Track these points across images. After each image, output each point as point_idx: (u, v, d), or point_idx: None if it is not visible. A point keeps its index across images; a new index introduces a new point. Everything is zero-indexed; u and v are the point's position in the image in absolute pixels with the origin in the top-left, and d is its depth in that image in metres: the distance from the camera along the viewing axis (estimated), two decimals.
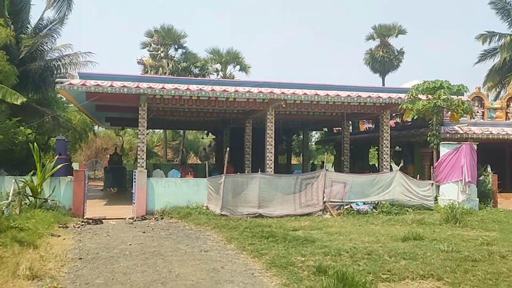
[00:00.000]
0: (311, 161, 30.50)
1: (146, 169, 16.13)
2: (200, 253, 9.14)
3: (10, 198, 11.39)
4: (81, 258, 8.48)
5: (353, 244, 9.74)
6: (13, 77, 18.49)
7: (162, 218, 14.14)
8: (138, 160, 17.29)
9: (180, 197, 15.22)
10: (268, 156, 18.93)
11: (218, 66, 38.09)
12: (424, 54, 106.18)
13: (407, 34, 41.25)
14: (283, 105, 18.81)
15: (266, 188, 14.23)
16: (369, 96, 18.50)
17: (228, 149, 15.07)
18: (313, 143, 42.24)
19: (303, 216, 14.11)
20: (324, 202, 14.71)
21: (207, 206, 14.71)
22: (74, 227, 12.19)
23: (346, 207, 15.02)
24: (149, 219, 14.04)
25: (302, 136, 30.92)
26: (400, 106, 18.50)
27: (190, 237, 11.09)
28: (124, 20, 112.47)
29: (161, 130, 43.45)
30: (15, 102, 11.85)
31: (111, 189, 25.35)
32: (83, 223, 12.84)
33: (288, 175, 15.55)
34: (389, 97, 18.79)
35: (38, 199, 13.64)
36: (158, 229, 12.30)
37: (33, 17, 24.81)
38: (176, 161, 39.93)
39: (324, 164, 16.20)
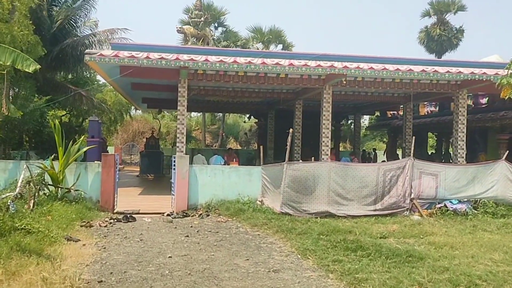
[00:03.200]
0: (361, 148, 27.30)
1: (187, 154, 13.51)
2: (269, 275, 6.33)
3: (17, 189, 8.88)
4: (101, 281, 5.81)
5: (483, 265, 6.72)
6: (40, 48, 16.10)
7: (208, 215, 11.36)
8: (177, 144, 14.67)
9: (229, 189, 12.44)
10: (324, 142, 15.95)
11: (260, 45, 35.12)
12: (486, 33, 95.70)
13: (466, 10, 37.05)
14: (344, 82, 15.70)
15: (339, 180, 11.21)
16: (448, 71, 15.20)
17: (291, 130, 12.16)
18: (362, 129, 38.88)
19: (385, 216, 11.06)
20: (411, 199, 11.57)
21: (261, 200, 11.89)
22: (100, 226, 9.57)
23: (438, 205, 11.84)
24: (192, 216, 11.31)
25: (353, 121, 27.74)
26: (498, 81, 15.03)
27: (248, 245, 8.29)
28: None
29: (199, 114, 40.96)
30: (26, 70, 9.34)
31: (148, 175, 23.00)
32: (111, 221, 10.22)
33: (367, 165, 12.48)
34: (472, 72, 15.41)
35: (59, 188, 11.17)
36: (205, 231, 9.55)
37: None
38: (215, 146, 37.38)
39: (412, 151, 12.79)
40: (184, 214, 11.42)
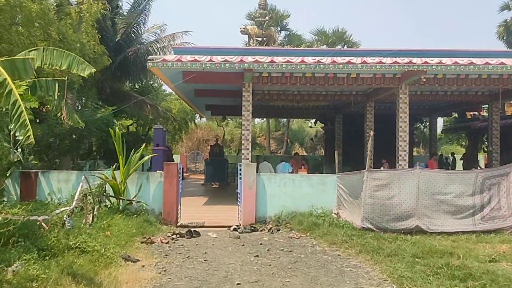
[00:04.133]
0: (439, 153, 25.05)
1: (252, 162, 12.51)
2: None
3: (74, 203, 8.21)
4: None
5: None
6: (105, 57, 15.87)
7: (278, 230, 10.16)
8: (242, 151, 13.75)
9: (300, 200, 11.20)
10: (401, 146, 14.39)
11: (324, 47, 33.73)
12: None
13: None
14: (423, 80, 14.08)
15: (428, 190, 9.57)
16: None
17: (372, 133, 10.77)
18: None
19: (488, 233, 9.28)
20: None
21: (337, 213, 10.57)
22: (162, 242, 8.70)
23: None
24: (261, 230, 10.20)
25: (428, 123, 25.58)
26: None
27: (329, 269, 7.04)
28: (223, 4, 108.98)
29: (263, 120, 40.14)
30: (81, 74, 8.76)
31: (212, 183, 22.32)
32: (174, 236, 9.35)
33: (462, 172, 10.74)
34: None
35: (120, 200, 10.53)
36: (276, 249, 8.40)
37: None
38: (280, 152, 36.36)
39: None
40: (252, 228, 10.32)
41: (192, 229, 9.73)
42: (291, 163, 16.25)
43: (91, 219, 8.44)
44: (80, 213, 8.55)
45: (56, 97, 8.50)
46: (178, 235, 9.41)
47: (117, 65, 19.97)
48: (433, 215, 9.34)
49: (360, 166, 22.32)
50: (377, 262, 7.10)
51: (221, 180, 22.42)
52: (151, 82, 25.75)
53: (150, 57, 13.59)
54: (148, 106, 23.01)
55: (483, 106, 23.16)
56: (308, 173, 15.48)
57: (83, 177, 9.21)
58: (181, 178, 11.04)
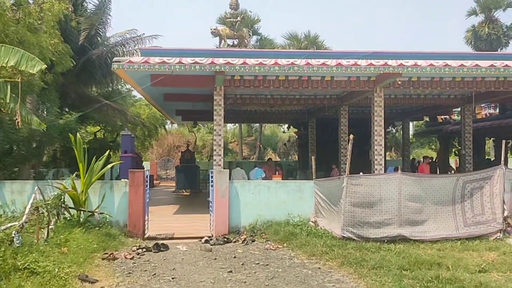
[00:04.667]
0: (412, 157, 24.93)
1: (225, 168, 11.83)
2: None
3: (24, 217, 7.31)
4: None
5: None
6: (68, 59, 14.95)
7: (253, 241, 9.47)
8: (214, 157, 13.07)
9: (276, 208, 10.56)
10: (376, 151, 13.99)
11: None
12: None
13: None
14: (399, 83, 13.76)
15: (412, 196, 9.05)
16: None
17: (352, 136, 10.22)
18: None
19: (472, 240, 8.86)
20: (504, 218, 9.22)
21: (315, 221, 9.97)
22: (126, 258, 7.90)
23: None
24: (234, 242, 9.48)
25: (401, 127, 25.47)
26: None
27: (310, 284, 6.42)
28: (190, 8, 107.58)
29: (235, 126, 39.50)
30: (30, 71, 7.94)
31: (184, 190, 21.52)
32: (139, 250, 8.52)
33: (444, 176, 10.28)
34: None
35: (81, 212, 9.61)
36: (251, 263, 7.74)
37: None
38: (253, 158, 35.74)
39: (503, 158, 10.31)
40: (225, 239, 9.58)
41: (160, 242, 8.94)
42: (264, 168, 15.68)
43: (46, 234, 7.58)
44: (33, 228, 7.68)
45: (8, 99, 7.67)
46: (144, 249, 8.58)
47: (81, 68, 19.00)
48: (416, 221, 8.87)
49: (328, 174, 21.94)
50: (362, 275, 6.54)
51: (192, 187, 21.67)
52: (119, 87, 24.76)
53: (115, 58, 12.77)
54: (116, 112, 22.04)
55: (454, 110, 23.21)
56: (282, 179, 14.93)
57: (36, 187, 8.33)
58: (148, 186, 10.24)
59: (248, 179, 14.81)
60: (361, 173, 9.55)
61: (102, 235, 8.80)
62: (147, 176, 10.02)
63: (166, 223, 11.52)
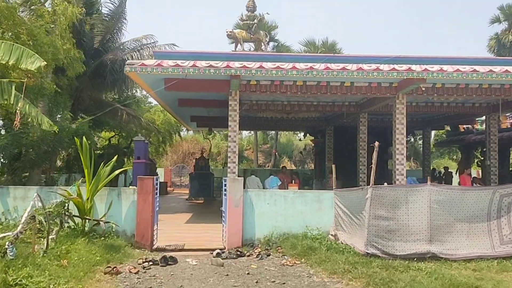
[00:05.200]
0: (432, 167, 24.00)
1: (239, 176, 11.24)
2: None
3: (19, 227, 6.78)
4: None
5: None
6: (79, 64, 14.59)
7: (268, 255, 8.83)
8: (228, 165, 12.52)
9: (293, 220, 9.91)
10: (398, 160, 13.29)
11: None
12: None
13: None
14: (422, 89, 13.08)
15: (441, 210, 8.25)
16: None
17: (377, 143, 9.53)
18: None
19: (509, 259, 8.08)
20: None
21: (335, 234, 9.30)
22: (131, 272, 7.36)
23: None
24: (248, 255, 8.85)
25: (420, 136, 24.63)
26: None
27: None
28: (209, 13, 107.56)
29: (251, 133, 38.95)
30: (29, 67, 7.47)
31: (197, 198, 21.00)
32: (146, 264, 7.95)
33: (479, 188, 9.47)
34: None
35: (86, 220, 9.13)
36: (267, 281, 7.10)
37: None
38: (268, 166, 35.12)
39: None
40: (238, 253, 8.95)
41: (168, 255, 8.36)
42: (280, 177, 15.05)
43: (45, 245, 7.05)
44: (13, 244, 7.10)
45: (12, 100, 7.23)
46: (151, 263, 8.00)
47: (95, 73, 18.71)
48: (446, 238, 8.12)
49: (351, 181, 21.26)
50: None
51: (206, 195, 21.14)
52: (134, 92, 24.45)
53: (128, 62, 12.36)
54: (130, 118, 21.71)
55: (477, 119, 22.30)
56: (299, 188, 14.29)
57: (35, 194, 7.83)
58: (158, 194, 9.67)
59: (263, 188, 14.20)
60: (385, 184, 8.81)
61: (107, 246, 8.26)
62: (157, 184, 9.47)
63: (176, 233, 10.97)
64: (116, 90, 21.84)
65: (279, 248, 9.23)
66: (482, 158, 22.94)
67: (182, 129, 37.29)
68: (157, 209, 9.70)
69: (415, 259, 7.87)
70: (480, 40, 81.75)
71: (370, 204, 8.22)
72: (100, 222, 9.07)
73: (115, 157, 9.85)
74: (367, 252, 8.16)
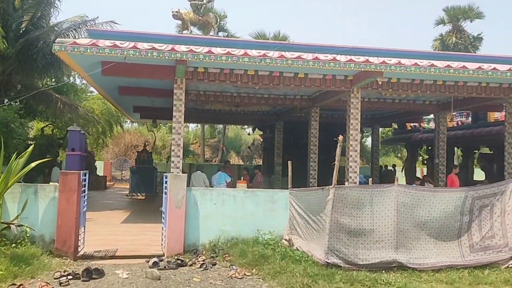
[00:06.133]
0: (380, 164, 23.76)
1: (183, 172, 9.96)
2: None
3: None
4: None
5: None
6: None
7: (214, 264, 7.64)
8: (172, 159, 11.28)
9: (243, 223, 8.74)
10: (351, 157, 12.63)
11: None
12: (506, 42, 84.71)
13: (484, 18, 33.97)
14: (379, 82, 12.45)
15: (408, 212, 7.38)
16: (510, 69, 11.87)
17: (341, 137, 8.50)
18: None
19: (481, 268, 7.42)
20: None
21: (289, 239, 8.28)
22: None
23: None
24: (191, 265, 7.60)
25: (369, 134, 24.40)
26: None
27: None
28: None
29: (198, 127, 37.49)
30: None
31: (138, 194, 19.47)
32: (63, 279, 6.48)
33: (450, 190, 8.50)
34: None
35: None
36: None
37: None
38: (215, 161, 33.87)
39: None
40: (179, 262, 7.64)
41: (93, 267, 6.93)
42: (228, 172, 13.94)
43: None
44: None
45: None
46: (70, 277, 6.54)
47: (24, 55, 16.72)
48: (413, 244, 7.30)
49: (300, 178, 20.50)
50: None
51: (148, 190, 19.68)
52: (72, 80, 22.43)
53: (58, 40, 10.76)
54: (66, 106, 19.81)
55: (424, 117, 22.33)
56: (248, 185, 13.26)
57: None
58: (85, 191, 8.15)
59: (210, 185, 13.04)
60: (346, 183, 7.87)
61: (16, 256, 6.72)
62: (84, 179, 7.99)
63: (110, 235, 9.60)
64: (51, 76, 19.78)
65: (227, 255, 8.01)
66: (427, 157, 23.06)
67: (126, 121, 35.29)
68: (84, 209, 8.21)
69: (382, 270, 6.98)
70: (425, 41, 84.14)
71: (332, 206, 7.23)
72: (11, 225, 7.47)
73: (31, 147, 8.04)
74: (327, 262, 7.13)
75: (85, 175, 7.87)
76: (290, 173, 9.00)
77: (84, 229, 8.12)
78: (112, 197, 19.02)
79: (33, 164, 7.66)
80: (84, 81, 23.42)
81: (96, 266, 6.95)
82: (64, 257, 7.47)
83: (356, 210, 7.16)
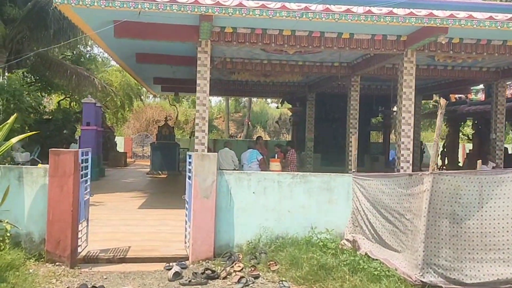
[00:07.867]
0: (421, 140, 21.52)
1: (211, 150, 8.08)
2: None
3: None
4: None
5: None
6: None
7: (257, 277, 5.47)
8: (196, 134, 9.52)
9: (291, 217, 6.64)
10: (404, 131, 10.75)
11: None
12: None
13: None
14: (443, 42, 10.21)
15: None
16: None
17: (443, 100, 6.12)
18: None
19: None
20: None
21: (353, 240, 6.22)
22: None
23: None
24: (224, 276, 5.51)
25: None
26: None
27: None
28: None
29: (222, 100, 35.60)
30: None
31: (160, 172, 17.91)
32: None
33: None
34: None
35: None
36: None
37: None
38: (240, 136, 32.08)
39: None
40: (208, 272, 5.58)
41: (92, 284, 4.92)
42: (259, 149, 12.04)
43: None
44: None
45: None
46: None
47: (35, 21, 15.16)
48: None
49: (332, 154, 18.36)
50: None
51: (170, 168, 18.13)
52: (88, 49, 20.79)
53: None
54: (83, 78, 18.30)
55: (472, 87, 19.94)
56: (281, 164, 11.37)
57: None
58: (88, 175, 6.25)
59: (240, 165, 11.19)
60: (444, 168, 5.61)
61: None
62: (86, 159, 6.10)
63: (123, 225, 7.91)
64: (65, 43, 18.15)
65: (272, 263, 5.85)
66: (474, 132, 20.74)
67: (149, 96, 33.71)
68: (87, 197, 6.39)
69: None
70: None
71: (430, 202, 4.99)
72: None
73: (13, 116, 6.00)
74: (422, 281, 4.90)
75: (86, 154, 6.05)
76: (354, 153, 6.83)
77: (87, 223, 6.27)
78: (131, 175, 17.51)
79: (14, 140, 5.79)
80: (106, 54, 21.86)
81: (95, 283, 5.00)
82: (57, 263, 5.57)
83: (462, 207, 4.94)
